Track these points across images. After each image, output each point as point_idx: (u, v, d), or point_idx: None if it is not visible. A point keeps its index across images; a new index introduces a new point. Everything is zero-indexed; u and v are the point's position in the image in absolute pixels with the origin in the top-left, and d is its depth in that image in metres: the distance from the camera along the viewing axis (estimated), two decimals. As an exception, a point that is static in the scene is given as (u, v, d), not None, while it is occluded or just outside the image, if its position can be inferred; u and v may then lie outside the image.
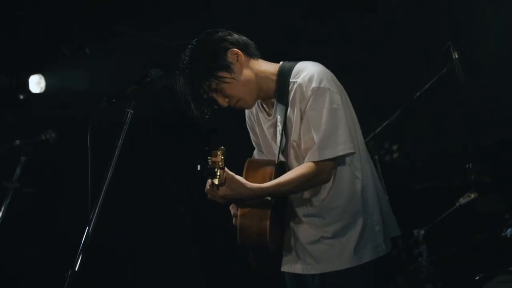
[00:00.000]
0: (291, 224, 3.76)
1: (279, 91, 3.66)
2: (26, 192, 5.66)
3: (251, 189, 3.44)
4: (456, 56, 5.40)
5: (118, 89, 3.46)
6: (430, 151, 6.18)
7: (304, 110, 3.55)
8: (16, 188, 5.55)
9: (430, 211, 5.59)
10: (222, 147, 3.24)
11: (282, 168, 3.70)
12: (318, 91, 3.52)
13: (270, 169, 3.63)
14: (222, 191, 3.35)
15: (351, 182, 3.65)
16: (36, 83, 7.26)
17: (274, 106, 3.72)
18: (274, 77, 3.69)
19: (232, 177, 3.39)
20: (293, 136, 3.64)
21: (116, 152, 3.30)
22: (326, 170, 3.55)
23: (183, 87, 3.60)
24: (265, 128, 3.83)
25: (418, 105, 5.78)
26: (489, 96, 5.86)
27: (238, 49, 3.64)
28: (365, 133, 5.73)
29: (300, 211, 3.71)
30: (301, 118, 3.58)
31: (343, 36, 6.48)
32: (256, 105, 3.86)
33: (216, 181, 3.23)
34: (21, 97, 7.31)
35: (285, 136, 3.65)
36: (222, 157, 3.22)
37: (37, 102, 7.34)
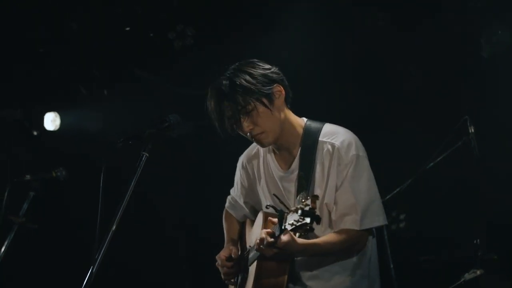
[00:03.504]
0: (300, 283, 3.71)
1: (305, 146, 3.66)
2: (31, 228, 5.61)
3: (303, 244, 3.44)
4: (472, 130, 5.41)
5: (135, 131, 3.47)
6: (439, 223, 6.14)
7: (345, 176, 3.55)
8: (21, 223, 5.52)
9: (434, 284, 5.54)
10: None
11: None
12: (359, 159, 3.58)
13: None
14: (283, 243, 3.30)
15: (361, 254, 3.68)
16: (51, 121, 7.30)
17: (296, 160, 3.70)
18: (300, 131, 3.70)
19: (291, 234, 3.34)
20: (327, 198, 3.61)
21: (128, 194, 3.29)
22: (363, 239, 3.61)
23: (219, 96, 3.57)
24: (277, 179, 3.78)
25: (430, 176, 5.76)
26: (503, 172, 5.84)
27: (283, 88, 3.65)
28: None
29: (306, 274, 3.67)
30: (336, 182, 3.57)
31: (360, 100, 6.52)
32: (265, 154, 3.85)
33: (301, 231, 3.17)
34: (35, 133, 7.32)
35: (306, 193, 3.60)
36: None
37: (50, 139, 7.34)
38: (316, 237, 3.56)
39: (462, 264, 5.39)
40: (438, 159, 5.63)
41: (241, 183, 4.03)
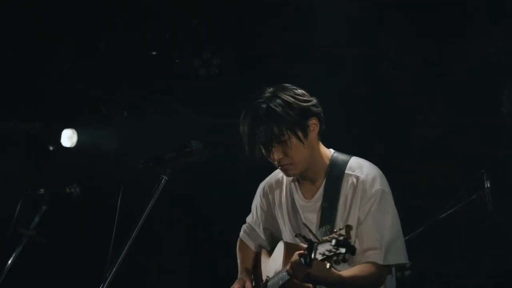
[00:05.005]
0: None
1: (330, 178, 3.64)
2: (40, 242, 5.61)
3: (333, 274, 3.34)
4: (488, 185, 5.39)
5: (156, 154, 3.48)
6: (446, 275, 6.12)
7: (369, 210, 3.52)
8: (31, 236, 5.52)
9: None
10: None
11: None
12: (384, 195, 3.55)
13: None
14: (315, 270, 3.18)
15: None
16: (69, 137, 7.35)
17: (320, 191, 3.67)
18: (327, 163, 3.68)
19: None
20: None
21: (144, 215, 3.29)
22: (385, 275, 3.54)
23: (254, 120, 3.52)
24: (301, 210, 3.74)
25: (440, 227, 5.74)
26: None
27: (319, 122, 3.63)
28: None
29: None
30: (359, 216, 3.54)
31: (378, 142, 6.54)
32: (289, 182, 3.82)
33: (341, 255, 3.02)
34: (51, 148, 7.36)
35: (333, 226, 3.55)
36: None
37: (65, 155, 7.38)
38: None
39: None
40: (451, 210, 5.62)
41: (261, 208, 3.97)
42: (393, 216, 3.56)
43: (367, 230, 3.51)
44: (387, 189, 3.59)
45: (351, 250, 2.98)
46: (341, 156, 3.71)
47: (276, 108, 3.49)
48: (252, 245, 4.12)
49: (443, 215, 5.64)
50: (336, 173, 3.64)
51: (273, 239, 3.98)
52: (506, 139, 6.15)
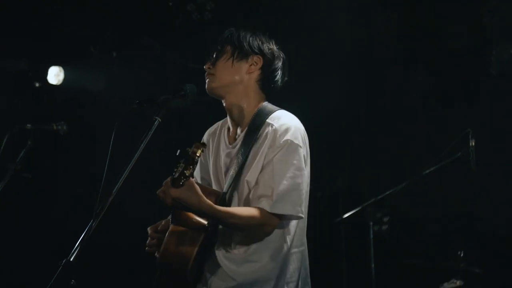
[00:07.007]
0: (211, 263, 3.61)
1: (252, 125, 3.64)
2: (25, 177, 5.62)
3: (203, 203, 3.29)
4: (473, 144, 5.44)
5: (150, 95, 3.49)
6: (426, 231, 6.20)
7: (272, 158, 3.49)
8: (16, 170, 5.52)
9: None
10: (205, 143, 3.20)
11: (224, 201, 3.57)
12: (291, 145, 3.50)
13: (213, 200, 3.47)
14: (177, 192, 3.20)
15: (277, 245, 3.57)
16: (55, 75, 7.30)
17: (240, 136, 3.69)
18: (255, 110, 3.69)
19: (193, 184, 3.26)
20: (249, 176, 3.55)
21: (136, 155, 3.29)
22: (272, 224, 3.48)
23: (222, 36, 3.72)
24: (222, 155, 3.75)
25: (423, 183, 5.81)
26: (497, 189, 5.90)
27: (264, 65, 3.70)
28: (366, 198, 5.83)
29: (221, 253, 3.57)
30: (263, 163, 3.52)
31: (368, 100, 6.58)
32: (222, 131, 3.84)
33: (187, 173, 3.13)
34: (37, 84, 7.33)
35: (241, 171, 3.57)
36: (201, 153, 3.15)
37: (50, 93, 7.36)
38: None
39: (443, 273, 5.44)
40: (434, 167, 5.67)
41: (200, 159, 3.83)
42: (296, 169, 3.49)
43: (264, 177, 3.49)
44: (298, 141, 3.52)
45: (188, 159, 3.11)
46: (269, 107, 3.70)
47: (239, 32, 3.70)
48: None
49: (427, 171, 5.70)
50: (258, 121, 3.62)
51: None
52: (493, 100, 6.18)
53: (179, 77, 6.96)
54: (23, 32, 6.84)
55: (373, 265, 5.80)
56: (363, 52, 6.69)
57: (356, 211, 5.98)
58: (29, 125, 5.60)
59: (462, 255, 5.43)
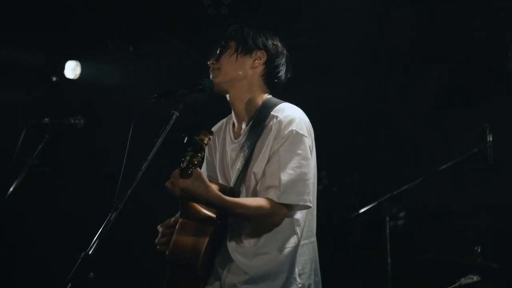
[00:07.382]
0: (222, 257, 3.61)
1: (257, 118, 3.66)
2: (42, 171, 5.65)
3: (212, 193, 3.30)
4: (491, 139, 5.42)
5: (167, 89, 3.50)
6: (443, 226, 6.19)
7: (278, 149, 3.52)
8: (34, 165, 5.56)
9: (430, 284, 5.58)
10: (212, 131, 3.20)
11: (232, 193, 3.58)
12: (297, 136, 3.52)
13: (221, 193, 3.44)
14: (185, 183, 3.21)
15: (287, 235, 3.58)
16: (72, 69, 7.33)
17: (244, 130, 3.71)
18: (259, 104, 3.72)
19: (201, 174, 3.25)
20: (256, 168, 3.57)
21: (154, 149, 3.30)
22: (280, 214, 3.50)
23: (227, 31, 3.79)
24: (228, 150, 3.77)
25: (439, 178, 5.79)
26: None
27: (268, 60, 3.75)
28: (382, 193, 5.83)
29: (232, 247, 3.58)
30: (269, 154, 3.55)
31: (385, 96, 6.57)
32: (227, 127, 3.86)
33: (195, 160, 3.13)
34: (54, 79, 7.36)
35: (248, 164, 3.60)
36: (208, 141, 3.16)
37: (67, 87, 7.39)
38: None
39: (460, 268, 5.43)
40: (451, 162, 5.66)
41: (206, 157, 3.98)
42: (302, 158, 3.51)
43: (271, 168, 3.51)
44: (303, 132, 3.54)
45: (197, 146, 3.12)
46: (273, 100, 3.73)
47: (244, 28, 3.76)
48: None
49: (444, 166, 5.69)
50: (263, 114, 3.65)
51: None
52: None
53: (195, 72, 6.94)
54: (41, 26, 6.86)
55: (389, 260, 5.79)
56: (380, 45, 6.67)
57: (372, 206, 5.99)
58: (46, 119, 5.63)
59: (479, 250, 5.40)
